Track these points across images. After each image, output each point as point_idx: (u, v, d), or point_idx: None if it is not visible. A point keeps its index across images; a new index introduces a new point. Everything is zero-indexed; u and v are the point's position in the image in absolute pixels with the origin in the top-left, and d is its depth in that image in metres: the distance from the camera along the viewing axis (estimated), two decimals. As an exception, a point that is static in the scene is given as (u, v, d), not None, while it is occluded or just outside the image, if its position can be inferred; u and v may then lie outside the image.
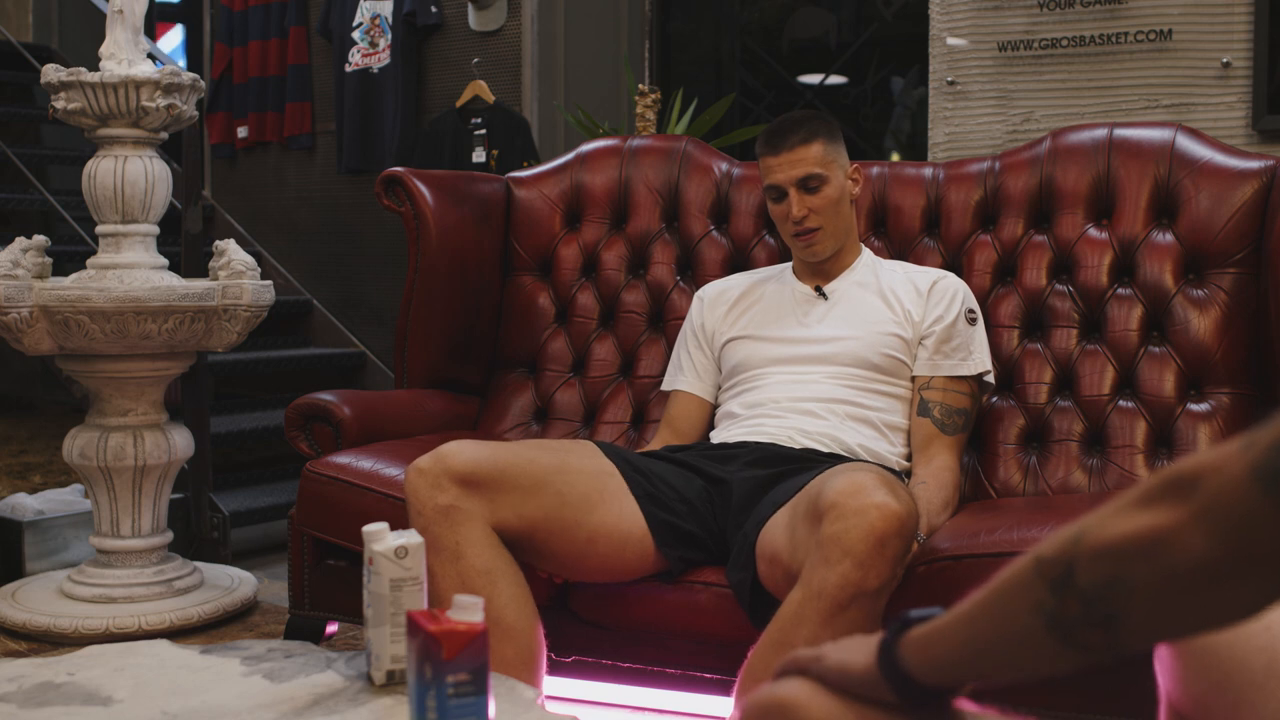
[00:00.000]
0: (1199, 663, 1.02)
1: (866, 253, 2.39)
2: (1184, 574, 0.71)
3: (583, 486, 1.95)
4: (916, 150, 4.34)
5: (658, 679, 2.08)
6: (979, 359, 2.24)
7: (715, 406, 2.37)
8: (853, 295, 2.31)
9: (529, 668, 1.85)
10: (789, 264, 2.42)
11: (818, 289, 2.33)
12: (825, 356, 2.23)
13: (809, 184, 2.24)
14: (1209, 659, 1.01)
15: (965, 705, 0.92)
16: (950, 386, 2.21)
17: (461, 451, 1.89)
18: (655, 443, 2.35)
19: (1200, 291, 2.27)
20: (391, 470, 2.25)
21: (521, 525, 1.89)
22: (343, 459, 2.31)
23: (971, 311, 2.27)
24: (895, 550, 1.66)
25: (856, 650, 0.94)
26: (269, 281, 2.99)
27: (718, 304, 2.40)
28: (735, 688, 1.76)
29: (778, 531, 1.85)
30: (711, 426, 2.36)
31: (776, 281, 2.39)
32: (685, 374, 2.39)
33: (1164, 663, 1.06)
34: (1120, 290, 2.33)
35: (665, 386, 2.45)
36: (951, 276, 2.32)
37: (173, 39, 6.48)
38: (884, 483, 1.70)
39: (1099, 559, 0.75)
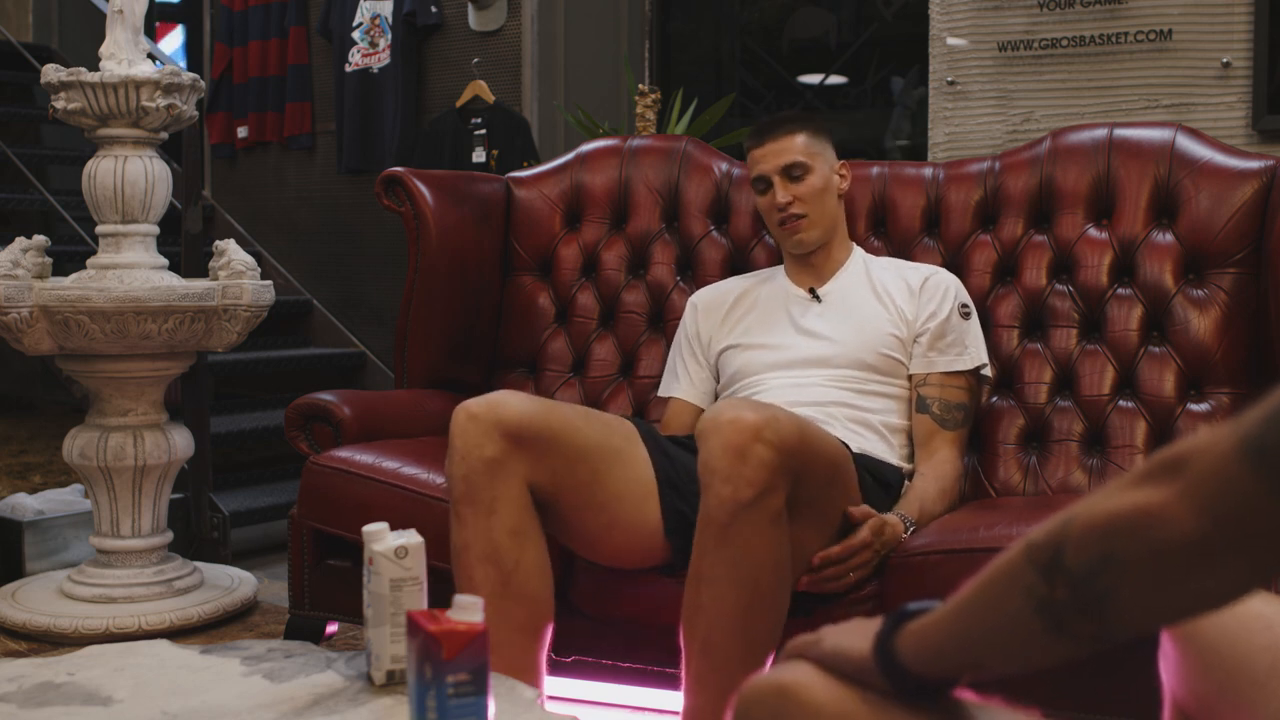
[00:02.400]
0: (1203, 661, 1.02)
1: (858, 251, 2.39)
2: (1172, 551, 0.71)
3: (618, 470, 1.95)
4: (916, 150, 4.34)
5: (658, 679, 2.08)
6: (974, 353, 2.24)
7: None
8: (846, 296, 2.31)
9: (537, 633, 1.86)
10: (781, 265, 2.42)
11: (811, 291, 2.33)
12: (821, 360, 2.23)
13: (793, 172, 2.28)
14: (1212, 657, 1.01)
15: (966, 695, 0.92)
16: (947, 382, 2.21)
17: (514, 403, 1.87)
18: None
19: (1200, 291, 2.27)
20: (393, 463, 2.26)
21: (553, 489, 1.89)
22: (345, 453, 2.31)
23: (965, 306, 2.27)
24: (760, 457, 1.67)
25: (854, 637, 0.94)
26: (269, 281, 2.99)
27: (712, 310, 2.40)
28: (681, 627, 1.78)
29: None
30: None
31: (770, 284, 2.40)
32: (680, 382, 2.39)
33: (1168, 660, 1.06)
34: (1120, 290, 2.33)
35: (661, 393, 2.45)
36: (943, 272, 2.32)
37: (173, 40, 6.47)
38: (744, 403, 1.75)
39: (1088, 538, 0.75)
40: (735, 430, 1.69)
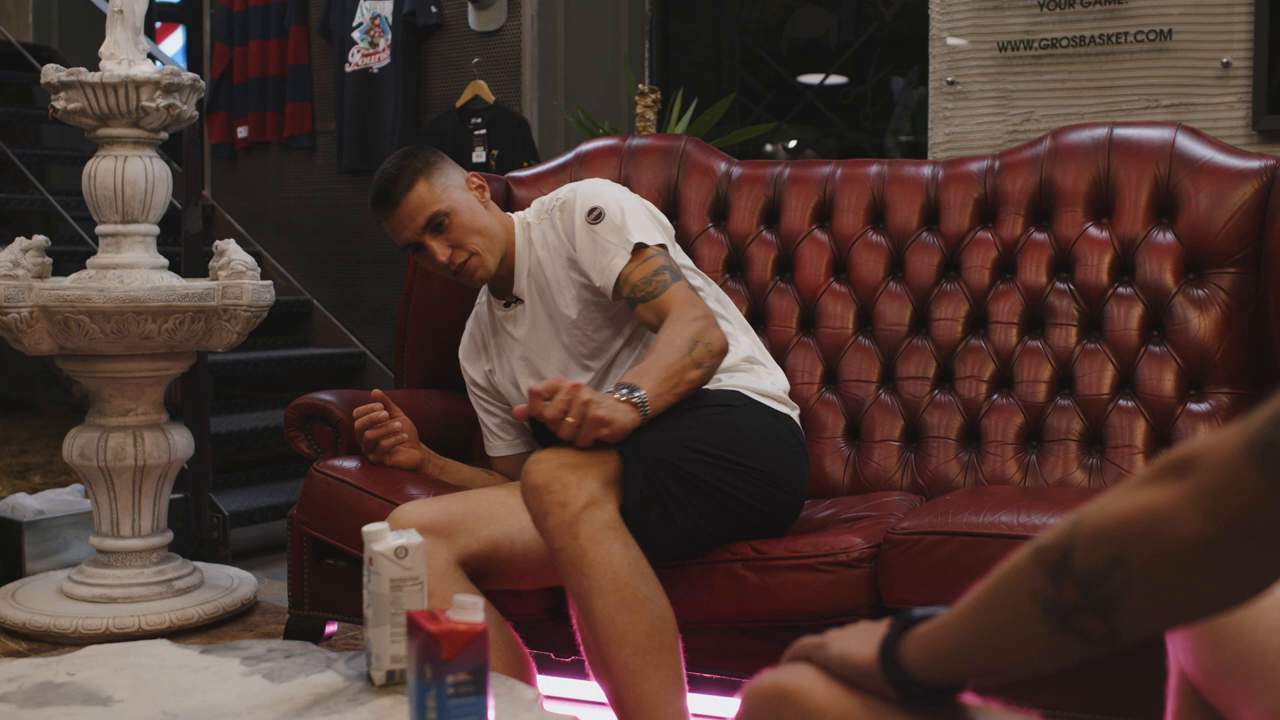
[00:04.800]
0: (1211, 639, 1.02)
1: (517, 226, 2.28)
2: (1181, 552, 0.71)
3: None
4: (916, 150, 4.34)
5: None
6: (624, 238, 2.09)
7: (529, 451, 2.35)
8: (535, 289, 2.24)
9: (520, 675, 1.90)
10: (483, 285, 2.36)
11: (508, 302, 2.28)
12: (570, 371, 2.19)
13: (435, 224, 2.16)
14: (1221, 637, 1.01)
15: (970, 700, 0.92)
16: (628, 274, 2.08)
17: (415, 509, 1.95)
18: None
19: (1200, 291, 2.27)
20: (393, 473, 2.26)
21: (485, 548, 1.95)
22: (348, 463, 2.31)
23: (591, 211, 2.14)
24: (561, 479, 1.74)
25: (859, 642, 0.94)
26: (269, 281, 2.99)
27: (471, 359, 2.39)
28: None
29: None
30: None
31: (484, 314, 2.35)
32: (492, 440, 2.38)
33: (1176, 637, 1.06)
34: (1120, 289, 2.33)
35: (493, 453, 2.40)
36: (566, 198, 2.20)
37: (174, 42, 6.47)
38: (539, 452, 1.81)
39: (1096, 540, 0.75)
40: (531, 473, 1.76)
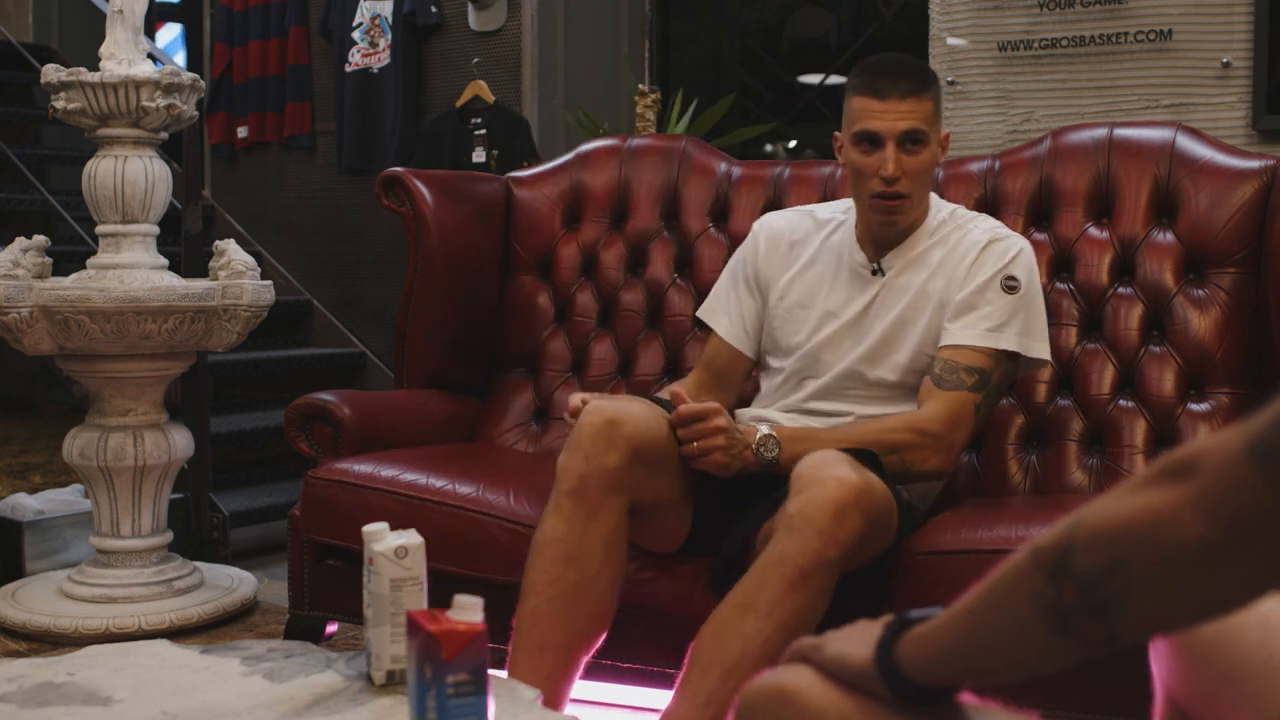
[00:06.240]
0: (1196, 656, 1.02)
1: (935, 212, 2.11)
2: (1180, 555, 0.71)
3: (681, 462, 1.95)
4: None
5: (658, 679, 2.07)
6: (1009, 335, 1.98)
7: (754, 362, 2.24)
8: (906, 279, 2.07)
9: (588, 643, 1.86)
10: (853, 212, 2.16)
11: (874, 270, 2.10)
12: (864, 377, 2.07)
13: (913, 139, 1.99)
14: (1206, 654, 1.01)
15: (968, 700, 0.92)
16: (958, 353, 1.99)
17: (643, 418, 1.86)
18: (690, 380, 2.25)
19: (1200, 291, 2.27)
20: (391, 471, 2.26)
21: (650, 502, 1.91)
22: (344, 464, 2.31)
23: (1011, 279, 2.00)
24: (854, 523, 1.68)
25: (856, 643, 0.94)
26: (269, 281, 2.99)
27: (775, 247, 2.20)
28: (691, 647, 1.75)
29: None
30: (749, 384, 2.27)
31: (836, 240, 2.16)
32: (731, 318, 2.22)
33: (1159, 654, 1.06)
34: (1120, 289, 2.33)
35: (702, 314, 2.29)
36: (1011, 239, 2.06)
37: (169, 33, 6.46)
38: (847, 460, 1.74)
39: (1095, 542, 0.75)
40: (841, 488, 1.68)
